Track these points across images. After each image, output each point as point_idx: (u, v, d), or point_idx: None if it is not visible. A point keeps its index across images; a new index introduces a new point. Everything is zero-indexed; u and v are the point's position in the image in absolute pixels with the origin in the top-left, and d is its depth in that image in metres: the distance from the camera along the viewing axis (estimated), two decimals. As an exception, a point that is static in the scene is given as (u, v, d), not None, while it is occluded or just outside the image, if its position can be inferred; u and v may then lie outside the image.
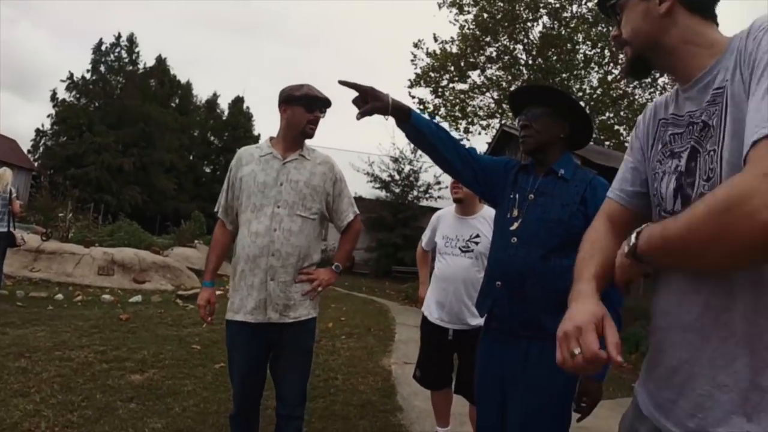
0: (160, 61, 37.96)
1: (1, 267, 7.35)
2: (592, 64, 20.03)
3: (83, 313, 7.03)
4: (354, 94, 1.88)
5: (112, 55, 35.45)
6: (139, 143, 32.79)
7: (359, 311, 9.63)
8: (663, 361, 1.09)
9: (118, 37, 35.65)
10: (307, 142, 2.66)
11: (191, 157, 38.43)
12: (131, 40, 36.07)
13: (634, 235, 1.05)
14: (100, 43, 35.14)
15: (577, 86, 20.27)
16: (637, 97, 19.85)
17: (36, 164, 31.43)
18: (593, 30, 18.93)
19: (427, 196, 19.78)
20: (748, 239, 0.79)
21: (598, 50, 19.64)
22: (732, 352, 0.95)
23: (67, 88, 33.92)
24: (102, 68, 34.94)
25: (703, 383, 0.99)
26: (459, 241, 3.22)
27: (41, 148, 34.08)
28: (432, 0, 21.06)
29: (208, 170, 39.60)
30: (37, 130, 34.31)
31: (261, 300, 2.40)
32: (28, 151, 33.00)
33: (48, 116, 34.19)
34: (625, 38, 1.19)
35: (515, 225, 2.01)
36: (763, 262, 0.89)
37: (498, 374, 2.02)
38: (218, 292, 2.84)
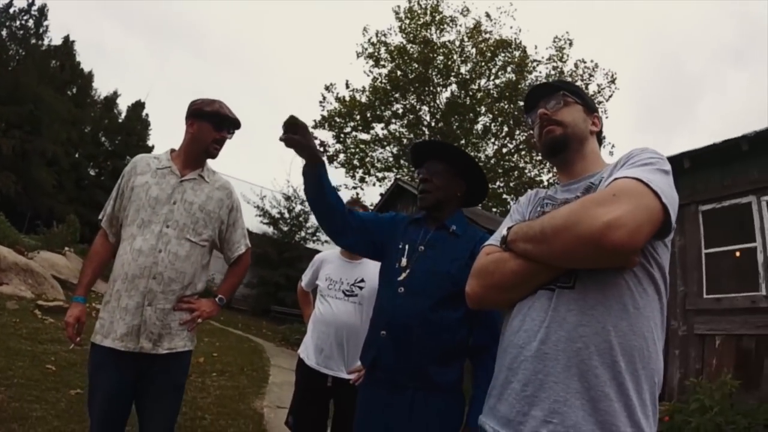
0: (68, 43, 35.24)
1: None
2: (490, 135, 21.50)
3: None
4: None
5: (18, 21, 32.12)
6: (24, 126, 29.68)
7: (233, 348, 9.35)
8: (516, 378, 1.28)
9: (30, 3, 32.52)
10: (209, 163, 2.54)
11: (77, 155, 35.28)
12: (42, 11, 32.90)
13: (506, 230, 1.40)
14: (10, 4, 31.77)
15: (473, 153, 21.64)
16: (527, 171, 21.47)
17: None
18: (495, 105, 20.42)
19: (315, 238, 19.96)
20: (589, 231, 1.11)
21: (497, 124, 21.15)
22: (585, 363, 1.17)
23: None
24: (4, 32, 31.47)
25: (558, 390, 1.18)
26: (343, 284, 3.15)
27: None
28: (351, 47, 21.75)
29: (92, 173, 36.53)
30: None
31: (134, 326, 2.19)
32: None
33: None
34: (561, 120, 1.52)
35: (403, 275, 2.00)
36: (596, 258, 1.16)
37: (381, 424, 1.96)
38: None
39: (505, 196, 21.56)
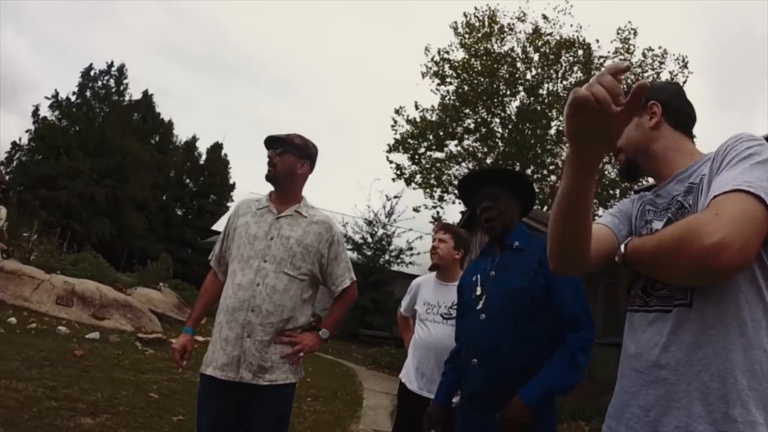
0: (147, 96, 37.90)
1: None
2: (564, 139, 20.78)
3: (36, 342, 6.76)
4: None
5: (100, 82, 35.33)
6: (114, 175, 32.25)
7: (326, 373, 9.40)
8: (635, 401, 1.25)
9: (110, 65, 35.78)
10: (309, 200, 2.61)
11: (164, 197, 37.81)
12: (121, 70, 36.15)
13: (623, 245, 1.28)
14: (90, 68, 35.16)
15: (549, 160, 21.04)
16: (606, 173, 20.60)
17: (7, 177, 30.10)
18: (567, 107, 19.78)
19: (399, 261, 19.98)
20: (696, 255, 1.04)
21: (571, 126, 20.45)
22: (706, 385, 1.13)
23: (51, 107, 33.52)
24: (88, 93, 34.72)
25: (680, 416, 1.15)
26: (441, 308, 3.14)
27: (15, 162, 32.91)
28: (417, 69, 21.72)
29: (180, 213, 38.82)
30: (14, 143, 33.36)
31: (234, 357, 2.28)
32: (1, 163, 31.94)
33: (26, 131, 33.62)
34: (619, 146, 1.41)
35: (481, 303, 2.09)
36: (706, 279, 1.12)
37: None
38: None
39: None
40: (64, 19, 68.51)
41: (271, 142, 2.52)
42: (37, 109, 33.39)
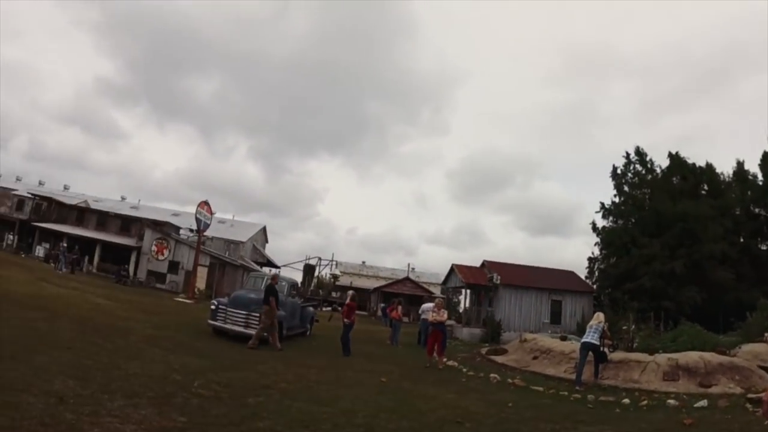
0: (673, 157, 37.64)
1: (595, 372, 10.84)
2: None
3: (647, 416, 7.60)
4: None
5: (628, 174, 38.13)
6: (684, 242, 32.70)
7: None
8: None
9: (627, 154, 38.32)
10: None
11: (741, 239, 35.20)
12: (639, 152, 38.06)
13: None
14: (615, 168, 38.54)
15: None
16: None
17: (594, 286, 35.34)
18: None
19: None
20: None
21: None
22: None
23: (603, 216, 38.22)
24: (625, 188, 37.92)
25: None
26: None
27: (596, 272, 38.32)
28: None
29: (763, 247, 35.29)
30: (589, 258, 39.23)
31: None
32: (585, 277, 36.64)
33: (595, 244, 38.88)
34: None
35: None
36: None
37: None
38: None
39: None
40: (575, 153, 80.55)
41: None
42: (594, 224, 38.75)
